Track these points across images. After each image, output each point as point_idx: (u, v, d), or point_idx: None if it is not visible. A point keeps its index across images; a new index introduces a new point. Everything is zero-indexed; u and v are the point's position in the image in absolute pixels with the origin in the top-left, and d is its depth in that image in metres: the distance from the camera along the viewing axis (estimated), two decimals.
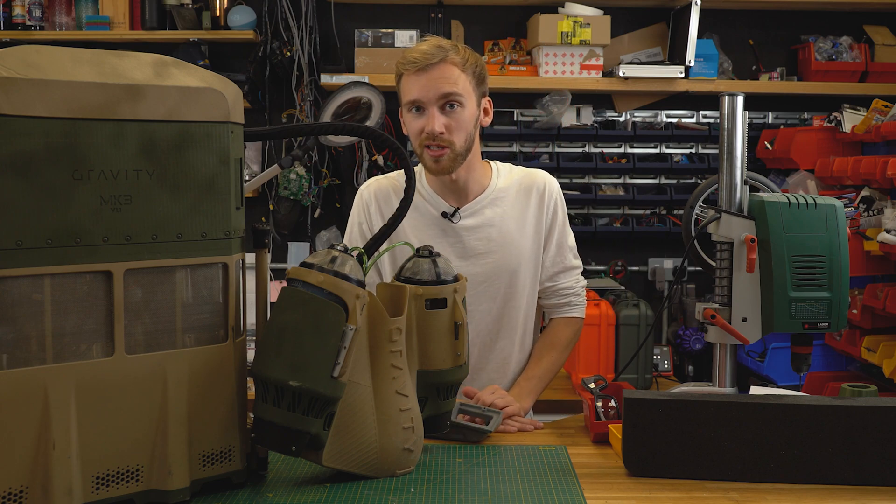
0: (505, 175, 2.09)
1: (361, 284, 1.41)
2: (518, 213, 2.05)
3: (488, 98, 2.03)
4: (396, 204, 1.97)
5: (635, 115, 3.88)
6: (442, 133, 1.91)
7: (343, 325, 1.38)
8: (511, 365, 2.09)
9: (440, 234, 2.03)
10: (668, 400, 1.52)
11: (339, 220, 3.89)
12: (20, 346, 1.23)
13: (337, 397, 1.40)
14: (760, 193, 1.83)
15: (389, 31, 3.61)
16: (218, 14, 3.68)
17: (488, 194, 2.05)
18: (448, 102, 1.92)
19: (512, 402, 1.88)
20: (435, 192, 2.05)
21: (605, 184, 3.85)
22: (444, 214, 2.03)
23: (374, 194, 2.08)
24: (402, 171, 2.08)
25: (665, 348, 3.42)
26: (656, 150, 3.87)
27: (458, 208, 2.03)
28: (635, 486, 1.49)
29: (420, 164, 2.06)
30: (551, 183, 2.10)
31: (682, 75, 3.54)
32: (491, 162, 2.12)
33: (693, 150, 3.87)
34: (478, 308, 2.03)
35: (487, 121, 2.05)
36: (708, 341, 1.80)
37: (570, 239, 2.13)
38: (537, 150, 3.80)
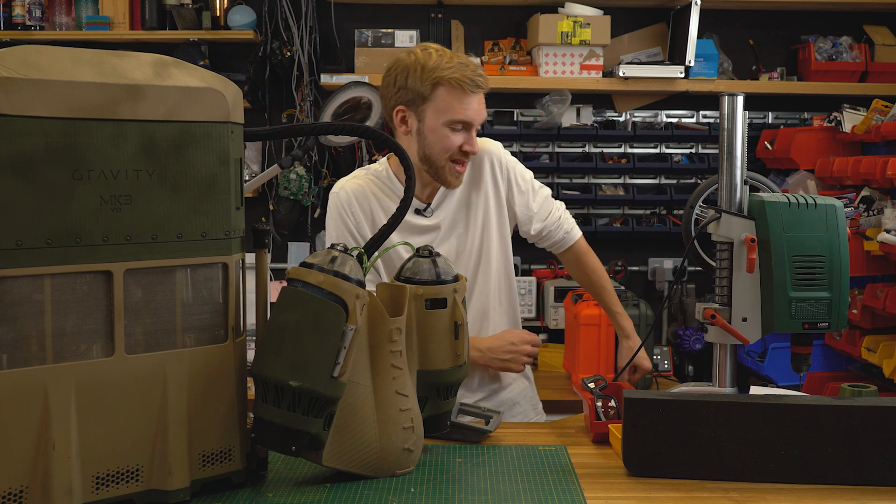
0: None
1: (361, 284, 1.41)
2: (476, 186, 2.13)
3: None
4: (374, 202, 2.06)
5: (635, 115, 3.88)
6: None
7: (343, 325, 1.38)
8: (490, 317, 2.16)
9: (415, 228, 2.08)
10: (668, 400, 1.52)
11: None
12: (20, 346, 1.23)
13: (337, 397, 1.40)
14: (760, 193, 1.83)
15: (389, 31, 3.61)
16: (218, 14, 3.68)
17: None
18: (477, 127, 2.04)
19: (647, 364, 2.19)
20: None
21: (605, 184, 3.85)
22: (417, 211, 2.09)
23: (352, 193, 2.07)
24: (367, 168, 2.14)
25: (665, 348, 3.42)
26: (656, 150, 3.87)
27: (429, 204, 2.11)
28: (635, 486, 1.49)
29: (383, 161, 2.15)
30: (493, 147, 2.17)
31: (682, 75, 3.54)
32: None
33: (693, 150, 3.87)
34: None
35: None
36: (708, 341, 1.80)
37: (529, 177, 2.21)
38: (537, 150, 3.80)
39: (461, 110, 1.98)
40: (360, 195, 2.07)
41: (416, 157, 2.04)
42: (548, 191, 2.24)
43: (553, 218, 2.22)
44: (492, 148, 2.16)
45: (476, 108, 2.00)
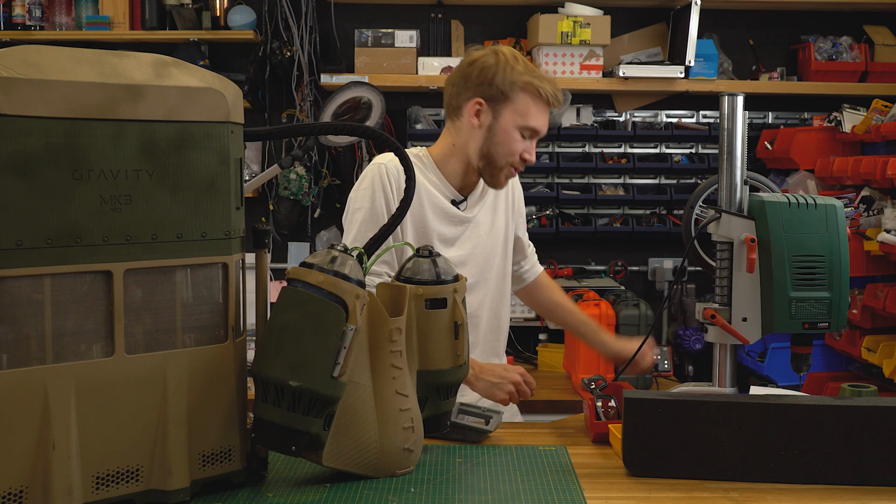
0: None
1: (361, 284, 1.41)
2: (498, 194, 2.22)
3: None
4: (419, 183, 2.05)
5: (635, 115, 3.88)
6: None
7: (343, 325, 1.38)
8: (504, 322, 2.28)
9: (452, 219, 2.12)
10: (668, 400, 1.52)
11: (339, 220, 3.87)
12: (20, 346, 1.23)
13: (337, 397, 1.40)
14: (760, 193, 1.83)
15: (389, 31, 3.61)
16: (218, 14, 3.68)
17: (480, 185, 2.18)
18: None
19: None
20: (446, 181, 2.13)
21: (605, 184, 3.85)
22: (453, 202, 2.13)
23: (399, 170, 2.04)
24: (410, 150, 2.16)
25: (665, 348, 3.42)
26: (656, 150, 3.87)
27: (466, 197, 2.15)
28: (635, 486, 1.49)
29: (423, 149, 2.17)
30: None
31: (682, 75, 3.54)
32: None
33: (693, 150, 3.87)
34: (486, 282, 2.17)
35: None
36: (708, 341, 1.80)
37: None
38: (537, 150, 3.80)
39: (536, 118, 2.04)
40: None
41: (476, 152, 2.07)
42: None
43: (532, 249, 2.38)
44: None
45: (546, 122, 2.07)
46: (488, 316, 2.19)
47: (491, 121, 2.03)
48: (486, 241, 2.16)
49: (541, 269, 2.41)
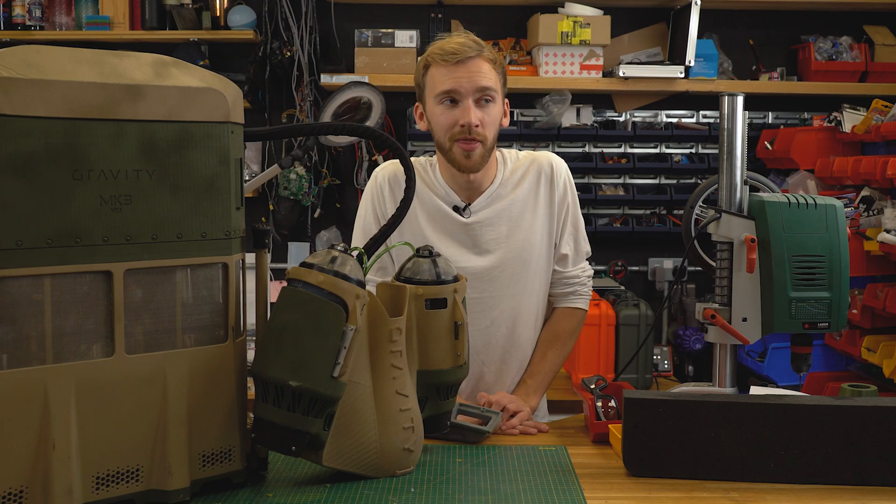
0: (511, 162, 2.07)
1: (361, 284, 1.41)
2: (527, 199, 2.03)
3: (507, 100, 2.03)
4: (422, 189, 1.99)
5: (635, 115, 3.88)
6: (477, 126, 1.90)
7: (343, 325, 1.38)
8: (529, 350, 2.08)
9: (452, 227, 2.00)
10: (668, 400, 1.52)
11: (339, 220, 3.89)
12: (20, 346, 1.23)
13: (337, 397, 1.40)
14: (760, 193, 1.83)
15: (389, 31, 3.61)
16: (218, 14, 3.68)
17: (497, 186, 2.02)
18: (483, 97, 1.92)
19: (523, 406, 1.89)
20: (448, 186, 2.02)
21: (605, 184, 3.85)
22: (456, 209, 2.01)
23: (388, 178, 2.03)
24: (420, 158, 2.11)
25: (665, 348, 3.42)
26: (656, 150, 3.87)
27: (469, 204, 2.01)
28: (635, 486, 1.49)
29: (431, 157, 2.09)
30: (558, 164, 2.07)
31: (682, 75, 3.55)
32: (496, 149, 2.06)
33: (693, 150, 3.87)
34: (492, 298, 2.01)
35: (506, 122, 2.03)
36: (708, 341, 1.80)
37: (582, 222, 2.12)
38: (537, 150, 3.80)
39: (440, 83, 1.91)
40: (394, 181, 2.02)
41: (437, 148, 2.01)
42: (588, 248, 2.12)
43: (574, 275, 2.10)
44: (557, 163, 2.06)
45: (459, 76, 1.89)
46: (501, 330, 2.03)
47: (426, 114, 2.00)
48: (502, 253, 2.00)
49: (571, 304, 2.10)
